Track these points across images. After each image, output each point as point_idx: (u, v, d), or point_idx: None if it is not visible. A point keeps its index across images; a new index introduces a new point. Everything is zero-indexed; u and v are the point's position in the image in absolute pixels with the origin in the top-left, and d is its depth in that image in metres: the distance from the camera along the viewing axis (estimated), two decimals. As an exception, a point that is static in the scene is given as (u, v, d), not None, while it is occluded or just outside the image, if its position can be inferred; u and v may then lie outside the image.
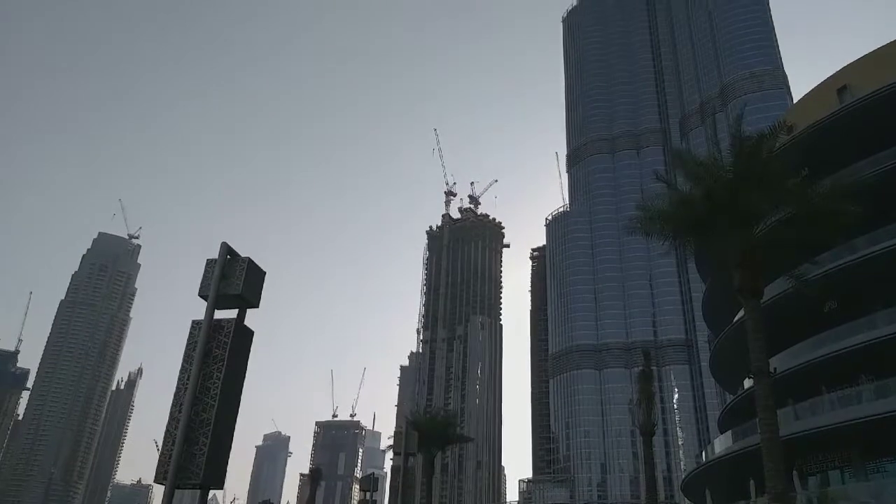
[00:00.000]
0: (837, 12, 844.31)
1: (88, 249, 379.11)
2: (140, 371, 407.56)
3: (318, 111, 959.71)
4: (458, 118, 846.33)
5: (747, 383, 50.86)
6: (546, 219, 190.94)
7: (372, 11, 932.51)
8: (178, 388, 13.29)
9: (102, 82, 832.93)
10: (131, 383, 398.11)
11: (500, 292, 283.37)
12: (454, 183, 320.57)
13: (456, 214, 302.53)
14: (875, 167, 41.02)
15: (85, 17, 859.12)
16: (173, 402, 13.14)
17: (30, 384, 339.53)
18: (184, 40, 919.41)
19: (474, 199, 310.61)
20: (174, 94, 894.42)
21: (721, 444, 54.13)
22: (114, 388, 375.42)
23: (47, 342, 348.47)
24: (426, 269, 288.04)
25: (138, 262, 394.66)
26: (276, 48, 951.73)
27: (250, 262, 15.36)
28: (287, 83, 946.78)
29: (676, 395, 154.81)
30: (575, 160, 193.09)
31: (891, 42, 46.08)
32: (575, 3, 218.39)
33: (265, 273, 16.08)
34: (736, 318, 48.96)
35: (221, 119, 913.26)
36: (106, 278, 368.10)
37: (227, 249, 15.09)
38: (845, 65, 48.64)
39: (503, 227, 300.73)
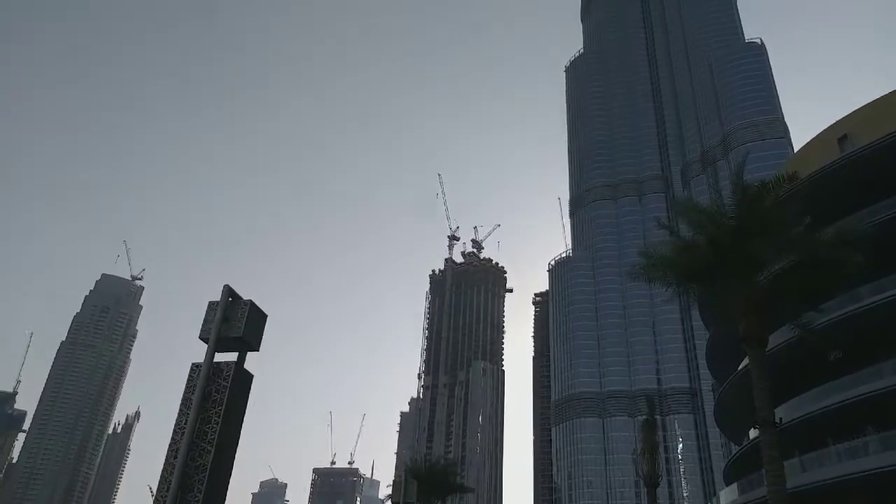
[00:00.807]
0: (836, 63, 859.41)
1: (91, 291, 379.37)
2: (137, 414, 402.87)
3: (322, 155, 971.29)
4: (461, 163, 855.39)
5: (753, 433, 49.99)
6: (549, 264, 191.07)
7: (378, 58, 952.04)
8: (174, 431, 13.09)
9: (110, 125, 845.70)
10: (128, 427, 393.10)
11: (503, 337, 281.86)
12: (457, 227, 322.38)
13: (459, 259, 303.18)
14: (877, 216, 41.10)
15: (90, 61, 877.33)
16: (170, 446, 12.93)
17: (26, 426, 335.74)
18: (192, 87, 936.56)
19: (477, 244, 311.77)
20: (182, 139, 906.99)
21: (727, 496, 52.96)
22: (110, 431, 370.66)
23: (46, 384, 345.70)
24: (428, 313, 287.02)
25: (140, 303, 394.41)
26: (283, 93, 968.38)
27: (252, 304, 15.31)
28: (292, 127, 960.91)
29: (681, 445, 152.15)
30: (577, 206, 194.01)
31: (890, 92, 46.69)
32: (577, 54, 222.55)
33: (266, 316, 16.01)
34: (740, 367, 48.42)
35: (228, 162, 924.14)
36: (107, 320, 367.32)
37: (228, 292, 15.06)
38: (846, 114, 49.20)
39: (506, 272, 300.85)
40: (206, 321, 14.89)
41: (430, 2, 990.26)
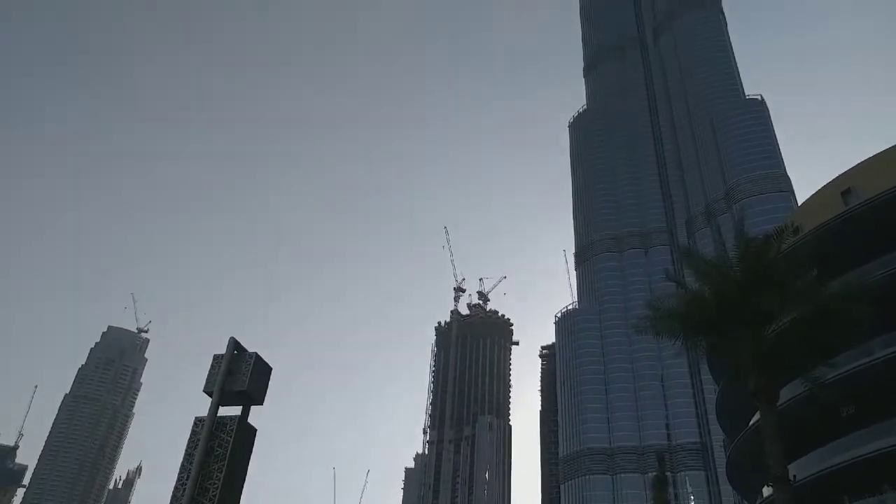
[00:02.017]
0: (837, 117, 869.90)
1: (97, 343, 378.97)
2: (139, 469, 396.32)
3: (327, 206, 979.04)
4: (467, 215, 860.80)
5: (766, 491, 48.75)
6: (555, 316, 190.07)
7: (382, 108, 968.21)
8: (176, 488, 12.93)
9: (119, 177, 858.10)
10: (129, 482, 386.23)
11: (510, 391, 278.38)
12: (463, 279, 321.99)
13: (465, 311, 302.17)
14: (883, 269, 41.03)
15: (97, 104, 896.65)
16: (171, 502, 12.73)
17: (26, 481, 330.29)
18: (194, 139, 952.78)
19: (483, 296, 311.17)
20: (190, 190, 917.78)
21: (742, 557, 51.32)
22: (111, 486, 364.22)
23: (48, 437, 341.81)
24: (434, 366, 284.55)
25: (145, 356, 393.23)
26: (288, 140, 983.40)
27: (257, 357, 15.29)
28: (298, 177, 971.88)
29: (693, 503, 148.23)
30: (583, 258, 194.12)
31: (891, 147, 47.19)
32: (581, 110, 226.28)
33: (271, 369, 15.97)
34: (752, 422, 47.57)
35: (236, 213, 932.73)
36: (112, 372, 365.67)
37: (234, 344, 15.06)
38: (848, 168, 49.63)
39: (512, 325, 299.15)
40: (210, 374, 14.88)
41: (433, 55, 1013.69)
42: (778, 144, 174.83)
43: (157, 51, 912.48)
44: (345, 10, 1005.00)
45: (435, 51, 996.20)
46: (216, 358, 14.85)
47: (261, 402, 15.10)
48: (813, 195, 53.37)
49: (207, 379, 14.67)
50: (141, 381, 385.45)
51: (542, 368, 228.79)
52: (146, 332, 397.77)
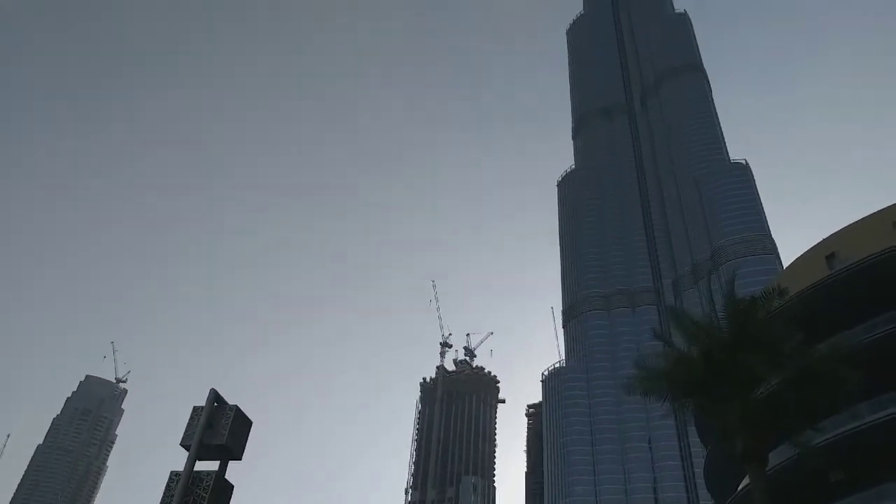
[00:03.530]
0: (820, 182, 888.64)
1: (74, 392, 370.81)
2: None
3: (312, 258, 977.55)
4: (455, 271, 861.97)
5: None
6: (542, 374, 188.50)
7: (370, 160, 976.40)
8: (147, 546, 12.41)
9: (104, 218, 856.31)
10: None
11: (495, 450, 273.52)
12: (450, 334, 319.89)
13: (451, 366, 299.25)
14: (870, 333, 41.23)
15: (79, 143, 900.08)
16: (140, 562, 12.19)
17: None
18: (176, 187, 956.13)
19: (470, 352, 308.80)
20: (174, 238, 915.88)
21: None
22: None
23: (16, 491, 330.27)
24: (418, 423, 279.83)
25: (122, 407, 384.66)
26: (273, 191, 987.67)
27: (237, 410, 14.90)
28: (282, 227, 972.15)
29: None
30: (570, 316, 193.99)
31: (875, 212, 48.16)
32: (569, 170, 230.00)
33: (251, 423, 15.56)
34: (741, 487, 46.81)
35: (220, 263, 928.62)
36: (87, 423, 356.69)
37: (214, 396, 14.71)
38: (832, 232, 50.47)
39: (498, 382, 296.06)
40: (188, 427, 14.43)
41: (424, 110, 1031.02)
42: (762, 207, 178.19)
43: (143, 90, 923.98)
44: (341, 63, 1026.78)
45: (425, 106, 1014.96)
46: (195, 410, 14.43)
47: (240, 458, 14.62)
48: (798, 258, 54.06)
49: (185, 431, 14.23)
50: (116, 432, 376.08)
51: (528, 427, 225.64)
52: (125, 381, 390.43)
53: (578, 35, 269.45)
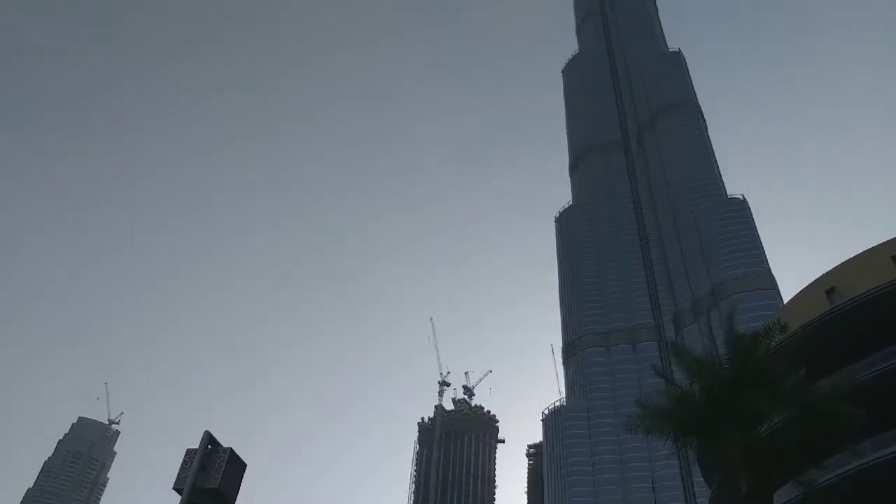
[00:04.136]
0: (820, 215, 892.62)
1: (66, 434, 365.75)
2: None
3: (308, 293, 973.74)
4: (453, 308, 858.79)
5: None
6: (543, 413, 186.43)
7: (367, 196, 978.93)
8: None
9: (103, 258, 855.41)
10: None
11: (495, 491, 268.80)
12: (448, 372, 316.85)
13: (449, 405, 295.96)
14: (871, 369, 40.91)
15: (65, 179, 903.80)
16: None
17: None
18: (166, 224, 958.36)
19: (468, 390, 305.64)
20: (168, 278, 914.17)
21: None
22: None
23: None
24: (416, 464, 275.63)
25: (114, 449, 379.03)
26: (266, 226, 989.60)
27: (232, 452, 14.62)
28: (277, 264, 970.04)
29: None
30: (570, 353, 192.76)
31: (874, 247, 48.28)
32: (567, 206, 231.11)
33: (246, 465, 15.24)
34: (746, 528, 45.87)
35: (215, 301, 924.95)
36: (79, 466, 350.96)
37: (208, 439, 14.43)
38: (832, 267, 50.48)
39: (497, 422, 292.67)
40: (182, 470, 14.13)
41: (418, 146, 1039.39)
42: (761, 242, 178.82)
43: (134, 134, 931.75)
44: (342, 93, 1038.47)
45: (422, 141, 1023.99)
46: (189, 453, 14.15)
47: (233, 502, 14.29)
48: (798, 294, 53.91)
49: (178, 475, 13.93)
50: (108, 475, 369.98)
51: (528, 467, 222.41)
52: (117, 423, 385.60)
53: (574, 73, 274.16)
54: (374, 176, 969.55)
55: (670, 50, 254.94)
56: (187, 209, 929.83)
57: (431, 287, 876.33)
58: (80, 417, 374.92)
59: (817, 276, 51.57)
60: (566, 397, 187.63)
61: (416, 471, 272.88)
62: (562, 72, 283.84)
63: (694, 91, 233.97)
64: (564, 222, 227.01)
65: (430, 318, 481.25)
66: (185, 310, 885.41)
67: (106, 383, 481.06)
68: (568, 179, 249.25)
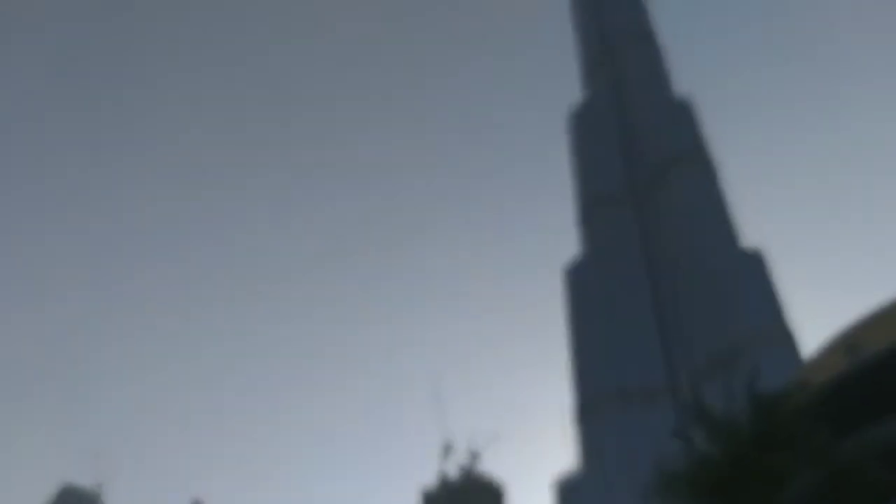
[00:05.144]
0: (840, 265, 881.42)
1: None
2: None
3: (306, 348, 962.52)
4: (458, 369, 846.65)
5: None
6: (555, 481, 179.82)
7: (368, 248, 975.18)
8: None
9: (84, 325, 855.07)
10: None
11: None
12: (451, 437, 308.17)
13: (452, 470, 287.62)
14: (899, 427, 39.41)
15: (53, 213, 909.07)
16: None
17: None
18: (155, 291, 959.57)
19: (474, 455, 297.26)
20: (156, 338, 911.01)
21: None
22: None
23: None
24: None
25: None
26: (263, 277, 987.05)
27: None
28: (270, 320, 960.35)
29: None
30: (582, 416, 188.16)
31: (897, 299, 47.13)
32: (575, 259, 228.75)
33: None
34: None
35: (203, 360, 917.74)
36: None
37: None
38: (853, 320, 49.26)
39: (504, 493, 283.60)
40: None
41: (418, 193, 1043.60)
42: (779, 296, 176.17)
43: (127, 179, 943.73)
44: (342, 131, 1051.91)
45: (421, 188, 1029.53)
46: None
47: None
48: (819, 349, 52.64)
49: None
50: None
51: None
52: (103, 491, 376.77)
53: (579, 122, 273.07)
54: (375, 226, 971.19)
55: (678, 96, 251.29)
56: (175, 262, 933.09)
57: (435, 345, 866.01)
58: (65, 485, 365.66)
59: (839, 328, 50.33)
60: (579, 462, 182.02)
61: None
62: (567, 119, 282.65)
63: (704, 141, 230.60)
64: (574, 277, 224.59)
65: (433, 379, 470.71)
66: (172, 372, 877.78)
67: (92, 449, 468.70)
68: (572, 229, 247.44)
